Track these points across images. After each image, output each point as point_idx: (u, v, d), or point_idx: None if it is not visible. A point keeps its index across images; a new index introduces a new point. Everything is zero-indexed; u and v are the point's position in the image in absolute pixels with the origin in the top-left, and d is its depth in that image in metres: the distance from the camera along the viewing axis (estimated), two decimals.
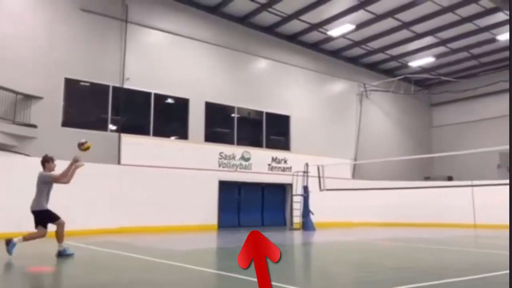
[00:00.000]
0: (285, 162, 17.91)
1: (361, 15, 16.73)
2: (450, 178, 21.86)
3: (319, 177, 15.46)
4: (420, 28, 17.84)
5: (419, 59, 21.08)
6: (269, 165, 17.52)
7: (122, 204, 13.40)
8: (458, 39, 18.76)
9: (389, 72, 22.87)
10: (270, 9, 16.59)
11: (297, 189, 16.62)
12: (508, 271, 5.87)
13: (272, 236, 13.47)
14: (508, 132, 18.71)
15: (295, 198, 16.70)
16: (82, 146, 7.57)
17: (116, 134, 14.32)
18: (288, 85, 19.05)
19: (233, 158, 16.54)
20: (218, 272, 6.52)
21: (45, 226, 7.36)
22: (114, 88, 14.53)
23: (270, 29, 18.28)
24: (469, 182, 17.61)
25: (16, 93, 12.38)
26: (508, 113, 21.01)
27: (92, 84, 14.30)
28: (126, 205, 13.47)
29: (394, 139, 22.99)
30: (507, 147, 17.80)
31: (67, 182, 7.60)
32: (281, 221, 18.08)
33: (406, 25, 17.55)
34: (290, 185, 17.23)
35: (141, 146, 14.45)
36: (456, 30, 17.93)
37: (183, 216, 14.59)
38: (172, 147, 15.38)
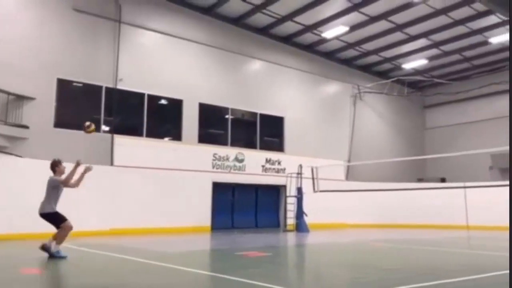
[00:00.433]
0: (279, 163, 17.91)
1: (354, 17, 16.79)
2: (443, 180, 21.98)
3: (313, 178, 15.47)
4: (413, 30, 17.95)
5: (412, 61, 21.20)
6: (263, 166, 17.51)
7: (115, 205, 13.31)
8: (451, 41, 18.89)
9: (383, 74, 22.97)
10: (264, 11, 16.60)
11: (291, 191, 16.62)
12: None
13: (266, 237, 13.50)
14: (497, 134, 18.86)
15: (289, 200, 16.70)
16: (88, 129, 7.80)
17: (109, 135, 14.23)
18: (282, 86, 19.07)
19: (227, 159, 16.51)
20: (212, 274, 6.48)
21: (63, 221, 7.44)
22: (107, 89, 14.45)
23: (264, 31, 18.29)
24: (461, 184, 17.71)
25: (8, 93, 12.26)
26: (500, 115, 21.28)
27: (85, 84, 14.20)
28: (119, 206, 13.38)
29: (388, 141, 23.09)
30: (499, 149, 17.97)
31: (76, 186, 7.69)
32: (275, 222, 18.07)
33: (400, 27, 17.65)
34: (284, 186, 17.23)
35: (134, 147, 14.38)
36: (449, 33, 18.06)
37: (176, 218, 14.53)
38: (166, 148, 15.32)
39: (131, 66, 14.98)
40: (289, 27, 18.06)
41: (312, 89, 20.27)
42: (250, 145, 17.95)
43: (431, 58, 20.77)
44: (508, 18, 15.14)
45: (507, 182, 17.51)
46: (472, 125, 22.63)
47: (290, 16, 16.98)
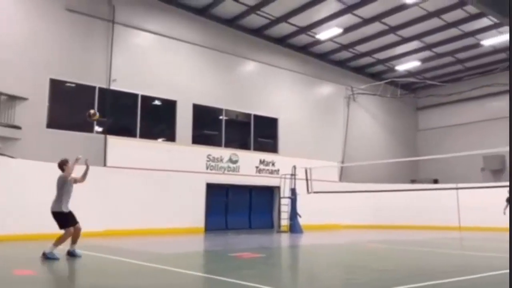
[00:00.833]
0: (273, 164, 17.92)
1: (348, 19, 16.86)
2: (435, 181, 22.13)
3: (306, 179, 15.50)
4: (406, 32, 18.06)
5: (405, 63, 21.34)
6: (256, 167, 17.51)
7: (108, 206, 13.23)
8: (443, 43, 19.04)
9: (376, 76, 23.09)
10: (258, 12, 16.62)
11: (285, 192, 16.63)
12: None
13: (259, 238, 13.50)
14: (489, 135, 18.97)
15: (283, 201, 16.71)
16: (94, 117, 8.04)
17: (102, 136, 14.16)
18: (276, 87, 19.10)
19: (221, 160, 16.49)
20: (205, 276, 6.47)
21: (67, 226, 7.51)
22: (101, 89, 14.37)
23: (258, 32, 18.31)
24: (453, 185, 17.84)
25: (0, 93, 12.16)
26: (491, 117, 21.48)
27: (78, 85, 14.12)
28: (112, 208, 13.31)
29: (381, 142, 23.20)
30: (491, 150, 18.17)
31: (81, 181, 8.03)
32: (269, 223, 18.07)
33: (393, 29, 17.76)
34: (278, 187, 17.24)
35: (128, 148, 14.31)
36: (442, 35, 18.19)
37: (170, 219, 14.48)
38: (159, 149, 15.27)
39: (125, 67, 14.92)
40: (283, 29, 18.10)
41: (306, 90, 20.32)
42: (244, 146, 17.95)
43: (424, 60, 20.91)
44: (500, 21, 15.29)
45: (499, 184, 17.69)
46: (464, 127, 22.81)
47: (284, 18, 17.02)
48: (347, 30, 17.60)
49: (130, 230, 13.45)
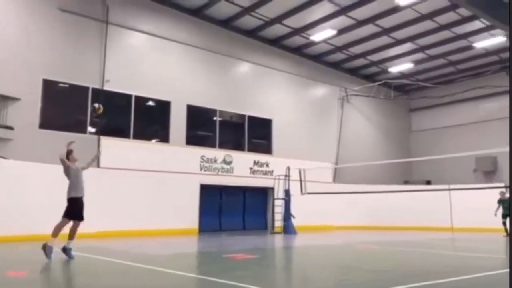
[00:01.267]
0: (267, 165, 17.92)
1: (342, 21, 16.93)
2: (428, 182, 22.26)
3: (300, 180, 15.51)
4: (399, 34, 18.17)
5: (398, 65, 21.45)
6: (250, 168, 17.50)
7: (101, 208, 13.13)
8: (436, 46, 19.17)
9: (370, 77, 23.20)
10: (253, 13, 16.63)
11: (279, 193, 16.64)
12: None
13: (253, 239, 13.49)
14: (481, 137, 19.06)
15: (277, 202, 16.72)
16: (99, 111, 8.11)
17: (95, 136, 14.08)
18: (271, 88, 19.12)
19: (215, 161, 16.46)
20: (199, 277, 6.46)
21: (66, 215, 7.61)
22: (94, 89, 14.29)
23: (252, 33, 18.32)
24: (446, 186, 17.96)
25: None
26: (483, 119, 21.67)
27: (71, 85, 14.04)
28: (105, 209, 13.21)
29: (374, 143, 23.30)
30: (483, 151, 18.31)
31: (85, 168, 8.10)
32: (263, 225, 18.07)
33: (386, 31, 17.85)
34: (272, 188, 17.23)
35: (121, 149, 14.23)
36: (434, 37, 18.31)
37: (163, 220, 14.42)
38: (153, 150, 15.20)
39: (119, 67, 14.86)
40: (277, 30, 18.13)
41: (300, 91, 20.36)
42: (238, 147, 17.94)
43: (416, 62, 21.04)
44: (491, 23, 15.44)
45: (491, 185, 17.85)
46: (456, 129, 22.97)
47: (279, 19, 17.04)
48: (341, 31, 17.67)
49: (123, 231, 13.38)
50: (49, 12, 13.67)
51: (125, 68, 15.04)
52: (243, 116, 18.13)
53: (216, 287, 5.29)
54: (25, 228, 11.08)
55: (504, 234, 14.66)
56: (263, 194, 18.26)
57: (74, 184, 7.75)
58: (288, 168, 16.42)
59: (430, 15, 16.34)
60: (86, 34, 14.39)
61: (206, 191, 16.09)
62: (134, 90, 15.16)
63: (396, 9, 15.91)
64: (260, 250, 10.45)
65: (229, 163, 16.83)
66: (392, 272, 6.79)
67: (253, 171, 17.53)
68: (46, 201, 11.67)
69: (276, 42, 19.13)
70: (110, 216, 13.27)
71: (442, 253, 10.05)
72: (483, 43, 18.42)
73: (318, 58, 20.79)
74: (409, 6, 15.60)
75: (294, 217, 15.86)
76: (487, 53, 19.84)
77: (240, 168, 17.01)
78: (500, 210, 14.83)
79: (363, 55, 20.50)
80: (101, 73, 14.42)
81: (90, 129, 14.23)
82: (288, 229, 15.69)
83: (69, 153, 7.87)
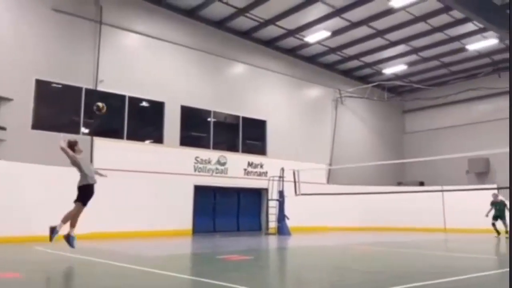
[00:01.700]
0: (261, 167, 17.92)
1: (336, 23, 16.98)
2: (421, 183, 22.38)
3: (294, 182, 15.52)
4: (393, 36, 18.26)
5: (392, 67, 21.56)
6: (245, 169, 17.49)
7: (94, 209, 13.02)
8: (429, 48, 19.29)
9: (364, 79, 23.29)
10: (247, 14, 16.64)
11: (273, 194, 16.64)
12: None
13: (247, 241, 13.48)
14: (474, 139, 19.24)
15: (271, 203, 16.72)
16: (103, 110, 8.17)
17: (89, 137, 13.99)
18: (265, 90, 19.13)
19: (209, 162, 16.43)
20: (193, 278, 6.43)
21: (79, 200, 7.70)
22: (87, 90, 14.21)
23: (247, 34, 18.33)
24: (439, 187, 18.07)
25: None
26: (476, 120, 21.83)
27: (64, 86, 13.95)
28: (98, 210, 13.07)
29: (368, 145, 23.39)
30: (476, 153, 18.45)
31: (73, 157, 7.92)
32: (257, 226, 18.07)
33: (380, 33, 17.94)
34: (266, 189, 17.23)
35: (115, 150, 14.15)
36: (428, 39, 18.43)
37: (157, 221, 14.36)
38: (147, 151, 15.13)
39: (112, 68, 14.79)
40: (272, 31, 18.15)
41: (294, 92, 20.39)
42: (232, 148, 17.93)
43: (410, 64, 21.17)
44: (484, 26, 15.58)
45: (483, 186, 18.00)
46: (449, 130, 23.12)
47: (273, 20, 17.07)
48: (335, 33, 17.72)
49: (116, 232, 13.30)
50: (42, 12, 13.58)
51: (118, 68, 14.97)
52: (237, 117, 18.12)
53: None
54: (17, 229, 10.98)
55: (496, 234, 14.79)
56: (257, 195, 18.25)
57: (86, 172, 7.79)
58: (282, 169, 16.43)
59: (424, 17, 16.45)
60: (80, 35, 14.30)
61: (200, 192, 16.05)
62: (127, 91, 15.10)
63: (389, 11, 15.99)
64: (254, 251, 10.44)
65: (223, 164, 16.81)
66: (385, 273, 6.81)
67: (247, 172, 17.52)
68: (39, 202, 11.59)
69: (270, 43, 19.16)
70: (103, 217, 13.17)
71: (435, 254, 10.10)
72: (475, 45, 18.57)
73: (312, 59, 20.84)
74: (403, 8, 15.70)
75: (288, 218, 15.87)
76: (480, 55, 20.00)
77: (234, 169, 17.00)
78: (492, 212, 14.95)
79: (357, 56, 20.58)
80: (94, 74, 14.35)
81: (84, 129, 14.15)
82: (282, 230, 15.70)
83: (74, 144, 7.87)
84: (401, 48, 19.54)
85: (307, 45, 19.16)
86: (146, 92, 15.60)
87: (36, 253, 9.06)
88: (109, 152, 13.97)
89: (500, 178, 19.19)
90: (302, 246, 12.34)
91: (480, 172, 21.11)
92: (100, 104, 8.13)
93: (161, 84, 15.88)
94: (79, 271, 6.98)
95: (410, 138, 25.10)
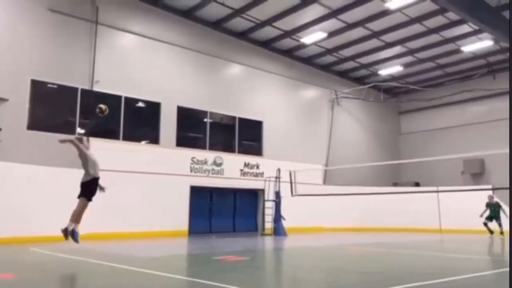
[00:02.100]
0: (258, 167, 17.93)
1: (332, 24, 17.02)
2: (417, 184, 22.46)
3: (291, 182, 15.55)
4: (389, 37, 18.33)
5: (388, 68, 21.63)
6: (241, 170, 17.49)
7: (89, 210, 12.99)
8: (425, 49, 19.36)
9: (360, 80, 23.35)
10: (243, 15, 16.64)
11: (269, 195, 16.65)
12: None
13: (243, 241, 13.48)
14: (469, 140, 19.33)
15: (267, 204, 16.73)
16: (105, 112, 8.10)
17: (85, 138, 13.91)
18: (261, 90, 19.14)
19: (205, 163, 16.41)
20: (189, 279, 6.43)
21: (83, 195, 7.78)
22: (83, 90, 14.17)
23: (243, 35, 18.33)
24: (434, 188, 18.14)
25: None
26: (471, 121, 21.94)
27: (60, 86, 13.89)
28: (94, 211, 13.04)
29: (364, 146, 23.44)
30: (471, 154, 18.53)
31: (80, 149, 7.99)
32: (253, 226, 18.06)
33: (376, 34, 17.99)
34: (262, 190, 17.23)
35: (111, 151, 14.09)
36: (423, 41, 18.50)
37: (153, 222, 14.33)
38: (143, 152, 15.10)
39: (108, 68, 14.75)
40: (268, 32, 18.16)
41: (291, 93, 20.42)
42: (229, 149, 17.92)
43: (406, 65, 21.24)
44: (479, 27, 15.67)
45: (478, 187, 18.09)
46: (445, 131, 23.22)
47: (270, 21, 17.08)
48: (332, 34, 17.76)
49: (112, 233, 13.26)
50: (38, 12, 13.52)
51: (114, 69, 14.94)
52: (233, 117, 18.13)
53: None
54: (13, 230, 10.92)
55: (489, 234, 14.89)
56: (254, 196, 18.25)
57: (93, 166, 7.85)
58: (279, 170, 16.45)
59: (419, 19, 16.52)
60: (76, 35, 14.26)
61: (196, 192, 16.03)
62: (123, 91, 15.06)
63: (385, 13, 16.05)
64: (250, 252, 10.44)
65: (220, 164, 16.80)
66: (381, 274, 6.83)
67: (243, 173, 17.52)
68: (34, 202, 11.55)
69: (266, 44, 19.17)
70: (99, 218, 13.12)
71: (431, 255, 10.14)
72: (470, 47, 18.66)
73: (308, 60, 20.88)
74: (399, 10, 15.75)
75: (284, 219, 15.88)
76: (475, 56, 20.11)
77: (230, 170, 16.99)
78: (487, 213, 15.03)
79: (353, 57, 20.63)
80: (90, 74, 14.31)
81: (79, 130, 14.10)
82: (278, 231, 15.71)
83: (80, 140, 7.94)
84: (397, 50, 19.61)
85: (303, 46, 19.19)
86: (142, 93, 15.57)
87: (31, 254, 9.02)
88: (105, 153, 13.88)
89: (495, 179, 19.30)
90: (298, 247, 12.35)
91: (475, 173, 21.21)
92: (102, 106, 8.03)
93: (157, 84, 15.86)
94: (74, 272, 6.95)
95: (405, 139, 25.19)
